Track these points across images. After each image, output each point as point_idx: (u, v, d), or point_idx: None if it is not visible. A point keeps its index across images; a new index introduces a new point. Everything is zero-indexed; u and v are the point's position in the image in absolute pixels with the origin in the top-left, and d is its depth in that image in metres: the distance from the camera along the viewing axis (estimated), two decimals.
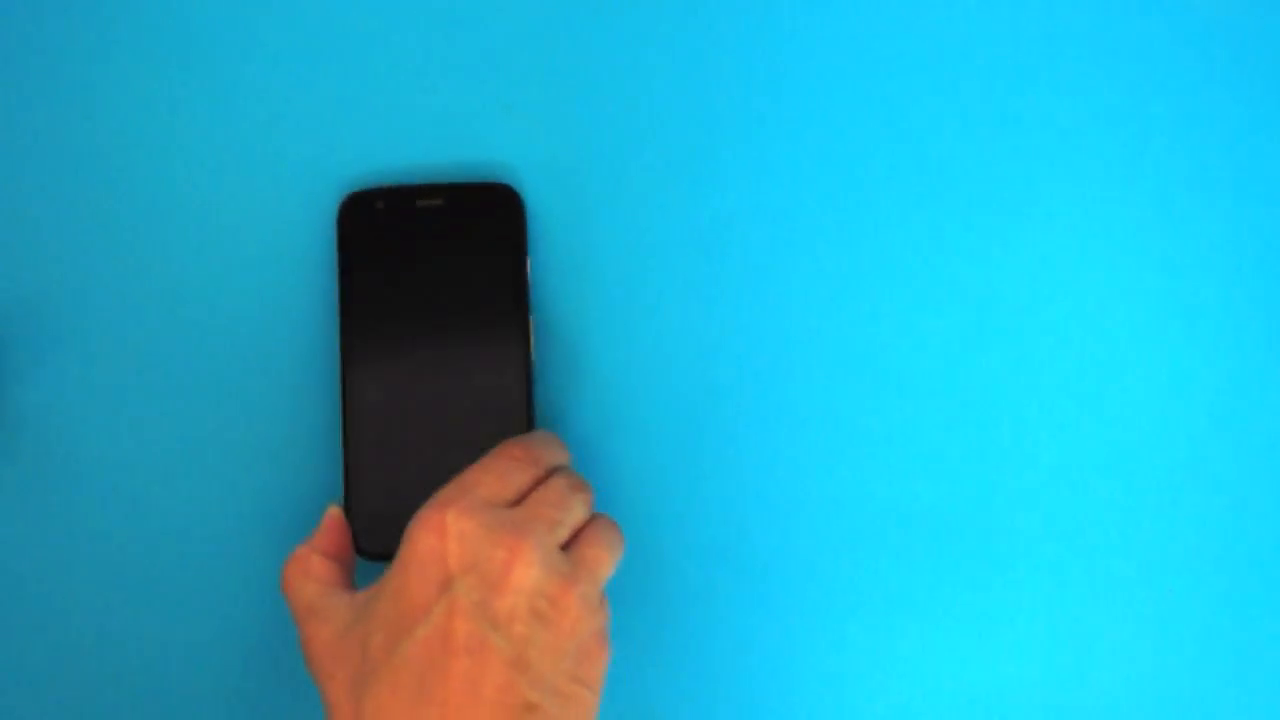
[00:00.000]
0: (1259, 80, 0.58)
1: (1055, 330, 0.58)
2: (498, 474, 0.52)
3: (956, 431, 0.58)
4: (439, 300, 0.56)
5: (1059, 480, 0.58)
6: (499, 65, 0.58)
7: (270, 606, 0.58)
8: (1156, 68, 0.58)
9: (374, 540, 0.56)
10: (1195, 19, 0.58)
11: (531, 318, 0.57)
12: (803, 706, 0.58)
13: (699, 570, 0.58)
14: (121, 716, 0.58)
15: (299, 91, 0.58)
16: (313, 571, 0.53)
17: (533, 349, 0.57)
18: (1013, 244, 0.58)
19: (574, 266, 0.58)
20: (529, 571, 0.49)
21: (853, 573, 0.58)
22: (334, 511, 0.55)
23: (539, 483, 0.53)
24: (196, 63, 0.59)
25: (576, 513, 0.52)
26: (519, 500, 0.52)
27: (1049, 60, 0.58)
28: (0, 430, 0.58)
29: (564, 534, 0.52)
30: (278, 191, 0.58)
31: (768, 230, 0.58)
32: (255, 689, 0.58)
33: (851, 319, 0.58)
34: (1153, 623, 0.58)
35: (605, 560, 0.52)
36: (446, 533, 0.49)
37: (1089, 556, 0.58)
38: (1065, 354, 0.58)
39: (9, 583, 0.58)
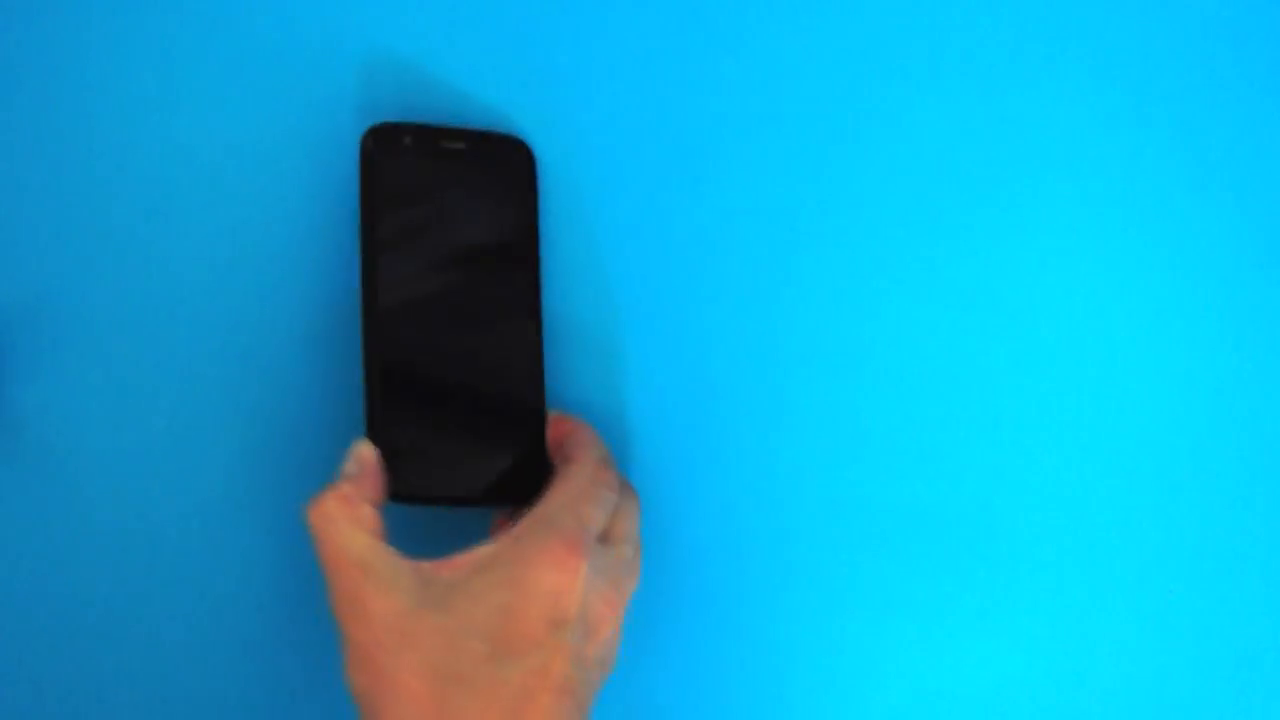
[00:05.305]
0: (1259, 80, 0.58)
1: (1056, 330, 0.58)
2: (603, 507, 0.52)
3: (956, 431, 0.58)
4: (457, 245, 0.56)
5: (1059, 480, 0.58)
6: (527, 26, 0.58)
7: (273, 605, 0.58)
8: (1156, 68, 0.58)
9: (393, 484, 0.54)
10: (1195, 19, 0.58)
11: (542, 274, 0.57)
12: (803, 706, 0.58)
13: (698, 570, 0.58)
14: (123, 715, 0.58)
15: (321, 30, 0.58)
16: (363, 520, 0.50)
17: (542, 309, 0.57)
18: (1014, 244, 0.58)
19: (584, 242, 0.58)
20: (616, 627, 0.51)
21: (853, 573, 0.58)
22: (369, 453, 0.53)
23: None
24: (197, 19, 0.59)
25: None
26: None
27: (1049, 60, 0.58)
28: (0, 430, 0.58)
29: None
30: (288, 143, 0.58)
31: (769, 229, 0.58)
32: (257, 688, 0.58)
33: (851, 317, 0.58)
34: (1153, 623, 0.58)
35: (633, 592, 0.54)
36: (576, 576, 0.50)
37: (1089, 556, 0.58)
38: (1065, 353, 0.58)
39: (9, 582, 0.58)
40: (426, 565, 0.50)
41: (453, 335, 0.56)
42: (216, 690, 0.58)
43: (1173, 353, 0.58)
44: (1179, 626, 0.58)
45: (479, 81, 0.58)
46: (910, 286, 0.58)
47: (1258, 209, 0.58)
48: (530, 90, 0.58)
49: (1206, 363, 0.58)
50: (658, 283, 0.58)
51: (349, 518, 0.50)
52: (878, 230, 0.58)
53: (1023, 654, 0.58)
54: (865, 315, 0.58)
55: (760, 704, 0.58)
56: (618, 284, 0.58)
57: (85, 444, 0.58)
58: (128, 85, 0.58)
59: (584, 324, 0.58)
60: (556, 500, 0.52)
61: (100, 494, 0.58)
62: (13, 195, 0.58)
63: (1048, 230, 0.58)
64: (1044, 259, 0.58)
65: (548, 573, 0.49)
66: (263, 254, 0.58)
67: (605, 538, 0.52)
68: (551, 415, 0.56)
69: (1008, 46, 0.58)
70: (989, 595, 0.58)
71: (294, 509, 0.58)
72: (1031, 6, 0.58)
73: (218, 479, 0.58)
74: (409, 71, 0.58)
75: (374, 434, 0.55)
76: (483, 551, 0.51)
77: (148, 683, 0.58)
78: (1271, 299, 0.58)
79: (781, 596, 0.58)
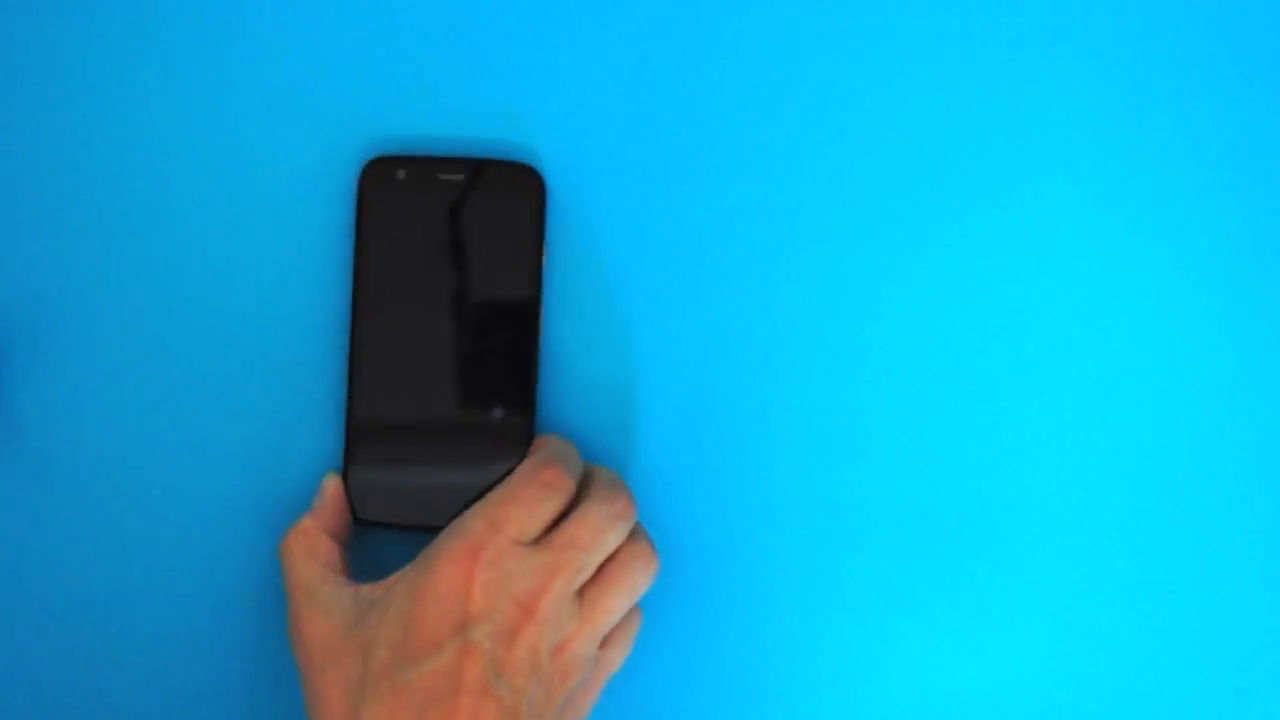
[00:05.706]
0: (1259, 80, 0.58)
1: (1056, 330, 0.58)
2: (528, 506, 0.51)
3: (957, 431, 0.58)
4: (452, 274, 0.56)
5: (1059, 480, 0.58)
6: (528, 40, 0.58)
7: (273, 606, 0.58)
8: (1156, 68, 0.58)
9: (369, 509, 0.56)
10: (1195, 19, 0.58)
11: (543, 303, 0.57)
12: (803, 706, 0.58)
13: (698, 569, 0.58)
14: (122, 714, 0.58)
15: (322, 53, 0.58)
16: (317, 553, 0.53)
17: (540, 334, 0.57)
18: (1013, 244, 0.58)
19: (587, 255, 0.58)
20: (539, 631, 0.50)
21: (853, 573, 0.58)
22: (335, 484, 0.55)
23: (570, 506, 0.53)
24: (205, 27, 0.59)
25: (609, 545, 0.52)
26: (547, 530, 0.52)
27: (1049, 60, 0.58)
28: (0, 430, 0.58)
29: (587, 575, 0.52)
30: (293, 159, 0.58)
31: (768, 230, 0.58)
32: (258, 687, 0.58)
33: (852, 318, 0.58)
34: (1153, 623, 0.58)
35: (616, 608, 0.52)
36: (472, 579, 0.50)
37: (1089, 556, 0.58)
38: (1066, 353, 0.58)
39: (10, 582, 0.58)
40: (365, 588, 0.52)
41: (440, 365, 0.56)
42: (217, 689, 0.58)
43: (1172, 352, 0.58)
44: (1179, 626, 0.58)
45: (476, 100, 0.58)
46: (910, 288, 0.58)
47: (1258, 209, 0.58)
48: (529, 109, 0.58)
49: (1206, 362, 0.58)
50: (657, 284, 0.58)
51: (304, 551, 0.54)
52: (875, 232, 0.58)
53: (1023, 654, 0.58)
54: (865, 316, 0.58)
55: (760, 704, 0.58)
56: (617, 283, 0.58)
57: (85, 444, 0.58)
58: (130, 89, 0.58)
59: (583, 322, 0.58)
60: (475, 506, 0.52)
61: (100, 494, 0.58)
62: (13, 195, 0.59)
63: (1047, 230, 0.58)
64: (1043, 259, 0.58)
65: (443, 577, 0.50)
66: (262, 256, 0.58)
67: (545, 540, 0.51)
68: (538, 439, 0.56)
69: (1007, 46, 0.58)
70: (989, 595, 0.58)
71: (292, 509, 0.58)
72: (1031, 6, 0.58)
73: (217, 479, 0.58)
74: (417, 94, 0.58)
75: (351, 461, 0.56)
76: (405, 567, 0.52)
77: (147, 682, 0.58)
78: (1271, 299, 0.58)
79: (781, 596, 0.58)
